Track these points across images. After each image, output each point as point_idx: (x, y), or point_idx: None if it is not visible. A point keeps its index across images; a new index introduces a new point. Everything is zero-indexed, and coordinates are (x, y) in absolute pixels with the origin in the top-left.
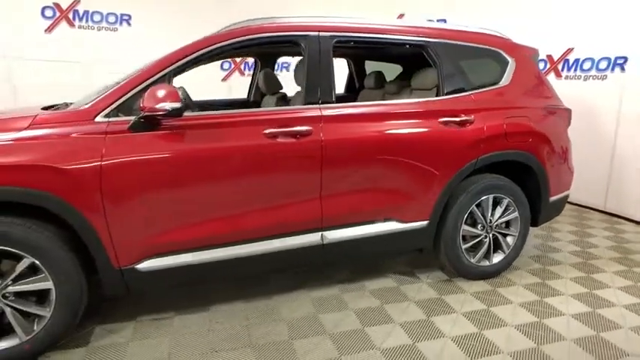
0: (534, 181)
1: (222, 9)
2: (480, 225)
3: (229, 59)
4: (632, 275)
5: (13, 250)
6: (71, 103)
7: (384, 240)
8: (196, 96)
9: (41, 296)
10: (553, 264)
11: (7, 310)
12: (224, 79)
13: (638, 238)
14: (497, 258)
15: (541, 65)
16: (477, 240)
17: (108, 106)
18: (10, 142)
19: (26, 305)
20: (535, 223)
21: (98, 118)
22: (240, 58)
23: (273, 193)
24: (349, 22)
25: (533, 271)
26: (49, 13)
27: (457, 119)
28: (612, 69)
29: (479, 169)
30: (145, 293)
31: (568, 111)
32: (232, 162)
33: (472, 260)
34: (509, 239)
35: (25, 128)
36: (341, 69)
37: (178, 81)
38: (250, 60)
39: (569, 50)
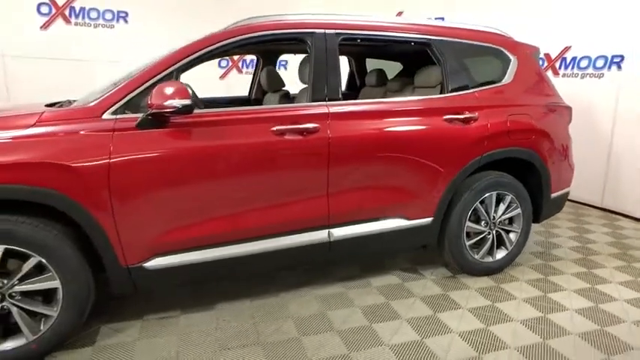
0: (536, 178)
1: (220, 6)
2: (483, 222)
3: (227, 57)
4: (632, 270)
5: (20, 249)
6: (74, 101)
7: (390, 237)
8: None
9: (47, 295)
10: (554, 260)
11: (14, 309)
12: (222, 77)
13: (636, 234)
14: (500, 254)
15: None
16: (480, 237)
17: (115, 103)
18: (17, 139)
19: (33, 305)
20: (537, 219)
21: (105, 115)
22: (238, 56)
23: (281, 190)
24: (355, 20)
25: (535, 267)
26: (44, 9)
27: (461, 117)
28: (609, 67)
29: (482, 166)
30: (151, 292)
31: (569, 109)
32: (240, 160)
33: (476, 257)
34: (512, 236)
35: (32, 125)
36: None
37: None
38: (248, 58)
39: (567, 48)
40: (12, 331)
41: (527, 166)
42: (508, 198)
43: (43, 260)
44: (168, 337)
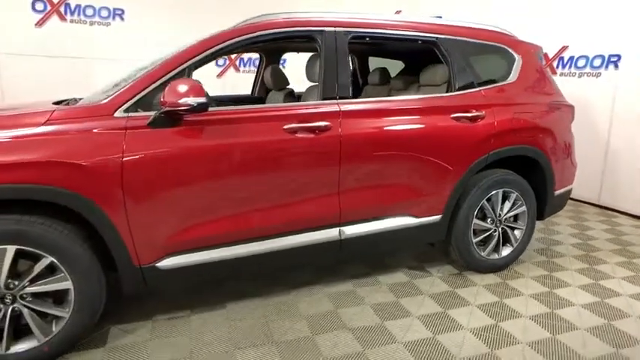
0: (540, 175)
1: (217, 4)
2: (489, 219)
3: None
4: (633, 266)
5: (32, 250)
6: (80, 99)
7: (399, 235)
8: None
9: (58, 297)
10: (557, 256)
11: (25, 311)
12: (219, 76)
13: (634, 230)
14: (505, 251)
15: None
16: (486, 234)
17: (127, 101)
18: (29, 138)
19: (44, 306)
20: (541, 216)
21: (117, 114)
22: (235, 55)
23: (293, 188)
24: (365, 18)
25: (538, 263)
26: (39, 6)
27: (469, 115)
28: (606, 66)
29: (489, 164)
30: (159, 292)
31: (571, 107)
32: (254, 158)
33: (482, 254)
34: (517, 233)
35: (43, 124)
36: None
37: None
38: (245, 56)
39: (564, 48)
40: (23, 332)
41: (531, 164)
42: (513, 195)
43: (55, 261)
44: (180, 337)
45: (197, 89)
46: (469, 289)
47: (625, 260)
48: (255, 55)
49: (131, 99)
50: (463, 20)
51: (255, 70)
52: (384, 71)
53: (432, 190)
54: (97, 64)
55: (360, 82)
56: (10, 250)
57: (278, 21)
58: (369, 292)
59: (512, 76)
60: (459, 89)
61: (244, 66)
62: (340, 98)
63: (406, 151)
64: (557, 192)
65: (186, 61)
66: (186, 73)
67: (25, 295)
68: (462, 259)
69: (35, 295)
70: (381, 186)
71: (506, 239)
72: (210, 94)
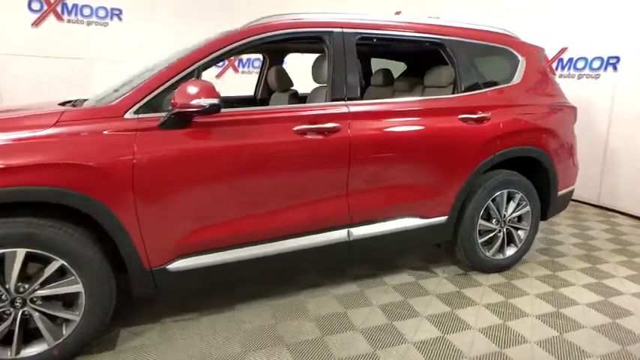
0: (544, 176)
1: (215, 4)
2: (494, 219)
3: None
4: (634, 265)
5: (42, 253)
6: (85, 99)
7: (407, 235)
8: None
9: (67, 300)
10: (559, 256)
11: (35, 314)
12: (218, 76)
13: (633, 230)
14: (510, 251)
15: None
16: (491, 234)
17: (137, 103)
18: (39, 139)
19: (55, 309)
20: (544, 216)
21: (127, 115)
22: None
23: (303, 189)
24: (372, 19)
25: (541, 263)
26: (36, 5)
27: (475, 116)
28: (605, 68)
29: (494, 165)
30: (168, 295)
31: (574, 108)
32: (264, 159)
33: (487, 254)
34: (520, 233)
35: (53, 125)
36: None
37: None
38: (244, 57)
39: (563, 50)
40: (33, 336)
41: (535, 165)
42: (518, 196)
43: (66, 264)
44: (191, 339)
45: (209, 90)
46: (475, 289)
47: (626, 259)
48: (255, 56)
49: (141, 100)
50: (468, 22)
51: (254, 71)
52: (387, 72)
53: (440, 191)
54: (95, 64)
55: (362, 84)
56: (21, 253)
57: (287, 22)
58: (376, 293)
59: (517, 78)
60: (465, 91)
61: (243, 67)
62: (349, 99)
63: (414, 152)
64: (560, 192)
65: (195, 62)
66: (195, 74)
67: (35, 299)
68: (468, 259)
69: (45, 298)
70: (390, 187)
71: (510, 239)
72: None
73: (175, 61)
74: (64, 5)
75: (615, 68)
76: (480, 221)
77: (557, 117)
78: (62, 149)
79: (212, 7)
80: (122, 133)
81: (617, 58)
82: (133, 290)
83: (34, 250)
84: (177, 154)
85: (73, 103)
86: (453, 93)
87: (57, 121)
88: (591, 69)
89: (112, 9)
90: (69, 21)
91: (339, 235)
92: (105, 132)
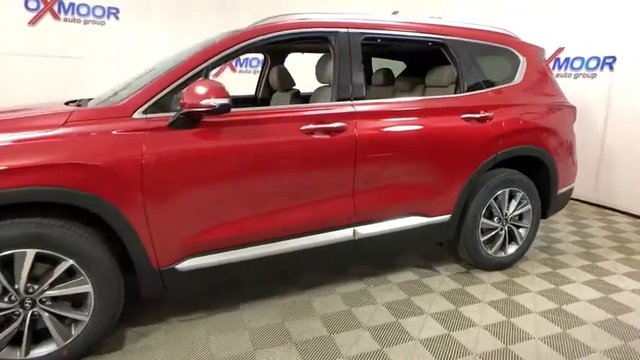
0: (544, 174)
1: (211, 3)
2: (496, 218)
3: None
4: (633, 262)
5: (52, 253)
6: (90, 99)
7: (411, 234)
8: None
9: (76, 300)
10: (559, 254)
11: (45, 315)
12: (216, 76)
13: (630, 228)
14: (511, 249)
15: None
16: (493, 232)
17: (145, 102)
18: (48, 139)
19: (64, 310)
20: (545, 214)
21: (136, 115)
22: None
23: (311, 189)
24: (377, 19)
25: (542, 260)
26: (32, 4)
27: (478, 115)
28: (601, 68)
29: (496, 163)
30: (173, 295)
31: (573, 108)
32: (272, 159)
33: (489, 252)
34: (522, 231)
35: (62, 125)
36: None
37: None
38: (242, 57)
39: (560, 49)
40: (42, 337)
41: (536, 164)
42: (519, 195)
43: (75, 264)
44: (198, 338)
45: (219, 90)
46: (478, 287)
47: (624, 257)
48: (252, 56)
49: (150, 100)
50: (471, 22)
51: (252, 70)
52: (388, 72)
53: (443, 190)
54: (92, 63)
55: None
56: (30, 253)
57: (294, 22)
58: (381, 291)
59: (518, 78)
60: (468, 90)
61: (241, 66)
62: (354, 99)
63: (419, 151)
64: (560, 191)
65: (203, 62)
66: (203, 74)
67: (44, 299)
68: (470, 257)
69: (54, 298)
70: (395, 186)
71: (511, 237)
72: None
73: (183, 60)
74: (61, 4)
75: (612, 68)
76: (483, 219)
77: (557, 116)
78: (71, 149)
79: (208, 6)
80: (131, 133)
81: (614, 58)
82: (141, 290)
83: (44, 251)
84: (187, 154)
85: (78, 102)
86: (455, 92)
87: (66, 121)
88: (588, 68)
89: (109, 8)
90: (65, 20)
91: (344, 234)
92: (114, 132)
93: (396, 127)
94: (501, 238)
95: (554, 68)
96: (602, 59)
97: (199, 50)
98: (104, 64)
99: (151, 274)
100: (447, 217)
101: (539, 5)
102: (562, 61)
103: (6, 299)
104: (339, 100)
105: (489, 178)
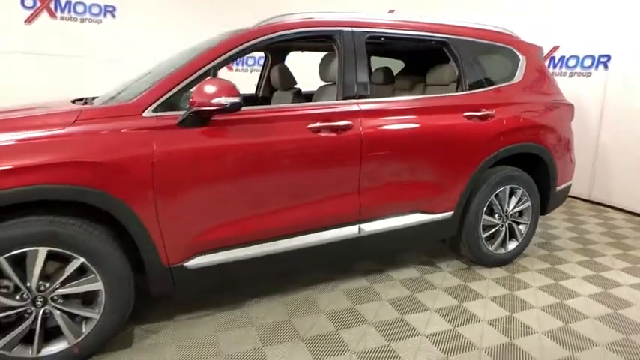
0: (544, 172)
1: (211, 2)
2: (497, 215)
3: None
4: (630, 258)
5: (64, 251)
6: (94, 97)
7: (415, 231)
8: None
9: (87, 298)
10: (557, 250)
11: (56, 313)
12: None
13: (626, 224)
14: (511, 245)
15: None
16: (494, 229)
17: (155, 101)
18: (59, 138)
19: (76, 307)
20: (544, 211)
21: (146, 113)
22: None
23: (318, 186)
24: (381, 18)
25: (541, 257)
26: (29, 2)
27: (480, 113)
28: (596, 66)
29: (497, 161)
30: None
31: (571, 106)
32: (281, 157)
33: (490, 248)
34: (521, 227)
35: (72, 124)
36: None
37: None
38: None
39: (555, 48)
40: (53, 334)
41: (535, 161)
42: (519, 192)
43: (86, 262)
44: (206, 335)
45: (230, 89)
46: (480, 283)
47: (621, 252)
48: (249, 54)
49: (159, 98)
50: (472, 21)
51: (249, 69)
52: (387, 71)
53: (446, 187)
54: (88, 62)
55: None
56: (42, 251)
57: (300, 21)
58: (385, 288)
59: (518, 76)
60: (470, 89)
61: (237, 65)
62: (359, 97)
63: (423, 149)
64: (559, 188)
65: (212, 61)
66: (212, 73)
67: (56, 297)
68: (472, 253)
69: (65, 296)
70: (399, 183)
71: (512, 234)
72: None
73: (191, 59)
74: (58, 2)
75: (606, 67)
76: (484, 216)
77: (556, 114)
78: (83, 147)
79: (206, 4)
80: (142, 131)
81: (608, 57)
82: (151, 288)
83: (56, 249)
84: (197, 152)
85: (85, 100)
86: (456, 91)
87: (76, 119)
88: (582, 67)
89: (106, 6)
90: (62, 18)
91: (350, 231)
92: (124, 130)
93: (401, 125)
94: (502, 235)
95: (549, 67)
96: (596, 58)
97: (207, 49)
98: (101, 62)
99: (161, 272)
100: (449, 214)
101: (533, 4)
102: (557, 59)
103: (18, 297)
104: (344, 98)
105: (490, 176)
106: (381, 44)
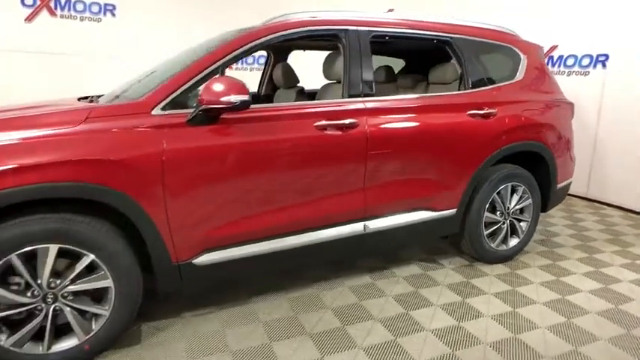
0: (545, 169)
1: (210, 0)
2: (499, 212)
3: None
4: (629, 254)
5: (74, 248)
6: (100, 96)
7: (419, 228)
8: None
9: (96, 295)
10: (557, 247)
11: (67, 309)
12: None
13: (623, 221)
14: (513, 242)
15: None
16: (496, 226)
17: (164, 99)
18: (70, 136)
19: (86, 304)
20: (544, 208)
21: (155, 111)
22: None
23: (325, 184)
24: (385, 18)
25: (541, 253)
26: (29, 1)
27: (482, 112)
28: (594, 66)
29: (500, 159)
30: (183, 290)
31: (571, 104)
32: (288, 155)
33: (492, 245)
34: (523, 224)
35: (83, 122)
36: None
37: None
38: None
39: (554, 47)
40: (63, 332)
41: (536, 159)
42: (521, 189)
43: (96, 259)
44: (214, 331)
45: (239, 87)
46: (482, 279)
47: (620, 249)
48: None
49: (168, 97)
50: (475, 21)
51: (248, 67)
52: (389, 69)
53: (450, 185)
54: (88, 60)
55: None
56: (53, 249)
57: (306, 20)
58: (388, 285)
59: (519, 75)
60: (473, 87)
61: (237, 63)
62: (365, 96)
63: (427, 147)
64: (559, 185)
65: (220, 59)
66: (220, 71)
67: (66, 294)
68: (474, 250)
69: (75, 293)
70: (404, 181)
71: (513, 231)
72: None
73: (199, 58)
74: (57, 0)
75: (604, 66)
76: (486, 213)
77: (556, 113)
78: (92, 145)
79: (206, 3)
80: (151, 129)
81: (606, 56)
82: (159, 285)
83: (66, 246)
84: (206, 149)
85: (90, 99)
86: (458, 89)
87: (87, 118)
88: (581, 66)
89: (106, 4)
90: (62, 16)
91: (355, 228)
92: (134, 128)
93: (406, 123)
94: (503, 232)
95: (547, 66)
96: (595, 57)
97: (215, 47)
98: (100, 60)
99: (170, 269)
100: (452, 211)
101: (532, 4)
102: (555, 59)
103: (29, 294)
104: (350, 96)
105: (493, 173)
106: (382, 43)
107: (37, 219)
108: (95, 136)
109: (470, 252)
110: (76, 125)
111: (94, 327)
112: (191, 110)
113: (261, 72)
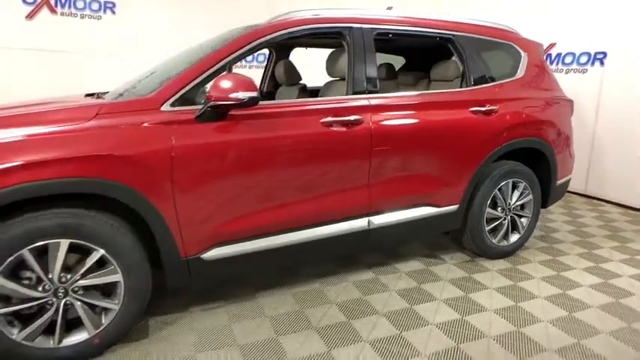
0: (545, 166)
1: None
2: (500, 208)
3: None
4: (628, 250)
5: (85, 243)
6: (105, 92)
7: (422, 224)
8: None
9: (106, 289)
10: (557, 242)
11: (77, 304)
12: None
13: (622, 217)
14: (513, 238)
15: None
16: (497, 222)
17: (173, 95)
18: (80, 132)
19: (96, 299)
20: (545, 204)
21: (164, 107)
22: None
23: (330, 179)
24: (389, 15)
25: (542, 249)
26: None
27: (484, 109)
28: (592, 63)
29: (501, 155)
30: (189, 285)
31: (570, 102)
32: (295, 151)
33: (493, 240)
34: (523, 220)
35: (93, 118)
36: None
37: None
38: None
39: (552, 45)
40: (73, 325)
41: (537, 156)
42: (522, 185)
43: (106, 254)
44: (221, 326)
45: (248, 84)
46: (484, 274)
47: (619, 245)
48: None
49: (177, 93)
50: (476, 18)
51: (247, 65)
52: (390, 67)
53: (453, 181)
54: (88, 57)
55: None
56: (64, 243)
57: (311, 18)
58: (391, 280)
59: (520, 72)
60: (474, 84)
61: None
62: (369, 93)
63: (430, 143)
64: (559, 181)
65: (227, 56)
66: (227, 68)
67: (76, 289)
68: (475, 246)
69: (86, 288)
70: (407, 177)
71: (514, 227)
72: None
73: (206, 55)
74: None
75: (602, 63)
76: (488, 209)
77: (556, 110)
78: (102, 141)
79: (206, 2)
80: (160, 125)
81: (604, 54)
82: (168, 280)
83: (77, 241)
84: (215, 145)
85: (97, 95)
86: (460, 86)
87: (97, 114)
88: (579, 64)
89: (106, 2)
90: (62, 14)
91: (360, 223)
92: (144, 124)
93: (409, 119)
94: (504, 228)
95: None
96: (593, 55)
97: (222, 45)
98: (100, 58)
99: (179, 264)
100: (454, 207)
101: (531, 2)
102: (554, 56)
103: (40, 288)
104: (354, 93)
105: (494, 170)
106: (384, 41)
107: (49, 214)
108: (104, 132)
109: (471, 247)
110: (86, 121)
111: (103, 321)
112: (199, 107)
113: (263, 69)
